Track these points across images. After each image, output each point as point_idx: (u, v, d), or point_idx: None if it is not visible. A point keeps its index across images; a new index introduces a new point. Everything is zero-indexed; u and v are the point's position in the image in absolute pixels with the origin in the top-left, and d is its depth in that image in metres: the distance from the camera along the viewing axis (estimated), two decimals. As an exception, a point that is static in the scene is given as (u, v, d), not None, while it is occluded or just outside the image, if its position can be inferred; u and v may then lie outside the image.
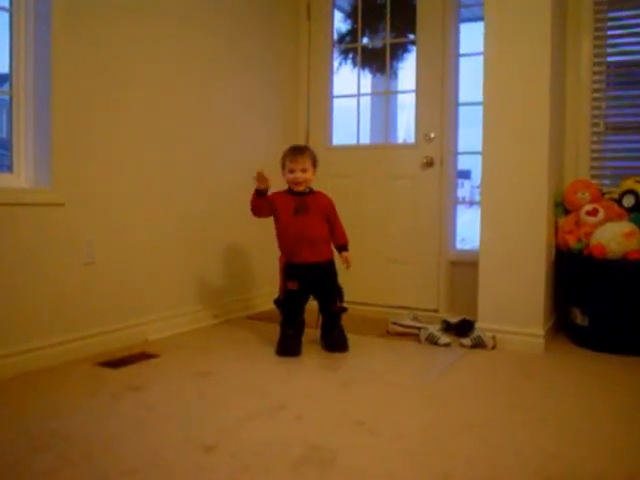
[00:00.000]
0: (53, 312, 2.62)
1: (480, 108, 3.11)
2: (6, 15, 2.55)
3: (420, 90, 3.83)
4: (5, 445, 1.80)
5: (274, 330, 2.96)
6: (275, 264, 2.99)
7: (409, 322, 3.30)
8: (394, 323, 3.31)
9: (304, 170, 2.90)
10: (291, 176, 2.91)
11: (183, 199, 3.29)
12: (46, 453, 1.74)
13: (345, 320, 3.02)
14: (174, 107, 3.21)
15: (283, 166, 2.95)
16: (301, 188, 2.93)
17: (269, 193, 2.90)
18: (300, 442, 1.83)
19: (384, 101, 4.21)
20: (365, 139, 4.30)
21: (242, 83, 3.70)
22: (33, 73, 2.60)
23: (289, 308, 2.92)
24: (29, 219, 2.52)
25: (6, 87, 2.60)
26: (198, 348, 2.95)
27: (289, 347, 2.86)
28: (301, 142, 4.08)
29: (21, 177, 2.62)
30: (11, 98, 2.59)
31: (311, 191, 2.98)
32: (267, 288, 3.68)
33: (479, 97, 3.12)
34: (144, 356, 2.76)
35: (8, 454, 1.73)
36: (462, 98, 3.77)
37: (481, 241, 3.14)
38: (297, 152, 2.94)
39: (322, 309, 2.99)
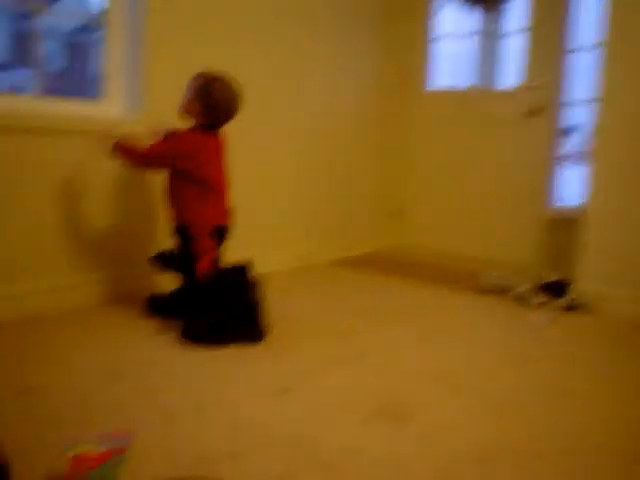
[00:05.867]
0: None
1: (594, 55, 2.83)
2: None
3: (532, 32, 3.55)
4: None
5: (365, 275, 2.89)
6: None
7: (500, 278, 3.16)
8: (485, 278, 3.18)
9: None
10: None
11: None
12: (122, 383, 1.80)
13: (434, 272, 2.88)
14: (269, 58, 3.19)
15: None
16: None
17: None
18: (375, 394, 1.79)
19: (490, 43, 3.96)
20: (468, 83, 4.08)
21: (333, 24, 3.56)
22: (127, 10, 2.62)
23: (213, 290, 2.23)
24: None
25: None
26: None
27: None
28: (397, 86, 3.92)
29: (113, 106, 2.66)
30: (106, 34, 2.61)
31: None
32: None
33: (594, 42, 2.84)
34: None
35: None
36: (578, 43, 3.45)
37: (591, 197, 2.90)
38: None
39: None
